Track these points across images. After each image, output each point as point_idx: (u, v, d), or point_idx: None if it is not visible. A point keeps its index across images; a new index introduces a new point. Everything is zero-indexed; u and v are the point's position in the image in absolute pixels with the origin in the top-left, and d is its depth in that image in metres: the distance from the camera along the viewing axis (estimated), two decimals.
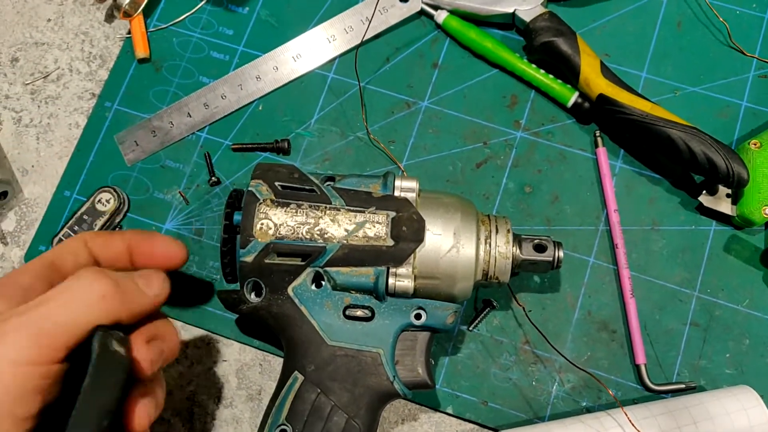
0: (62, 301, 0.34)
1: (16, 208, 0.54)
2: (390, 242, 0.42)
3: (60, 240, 0.51)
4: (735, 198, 0.50)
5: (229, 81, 0.56)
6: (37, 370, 0.32)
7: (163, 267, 0.42)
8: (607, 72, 0.51)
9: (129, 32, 0.57)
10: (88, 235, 0.42)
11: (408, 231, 0.42)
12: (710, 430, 0.44)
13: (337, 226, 0.42)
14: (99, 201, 0.52)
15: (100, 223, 0.51)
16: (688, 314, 0.50)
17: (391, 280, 0.42)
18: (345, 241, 0.42)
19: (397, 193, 0.44)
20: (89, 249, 0.41)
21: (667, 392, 0.49)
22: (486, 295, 0.51)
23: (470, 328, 0.50)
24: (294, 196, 0.43)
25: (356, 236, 0.42)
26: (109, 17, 0.58)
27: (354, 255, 0.42)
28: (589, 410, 0.49)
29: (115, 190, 0.52)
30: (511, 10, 0.54)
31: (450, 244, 0.43)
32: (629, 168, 0.53)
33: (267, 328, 0.45)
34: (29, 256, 0.53)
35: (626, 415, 0.44)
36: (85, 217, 0.51)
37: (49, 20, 0.59)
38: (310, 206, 0.43)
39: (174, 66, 0.57)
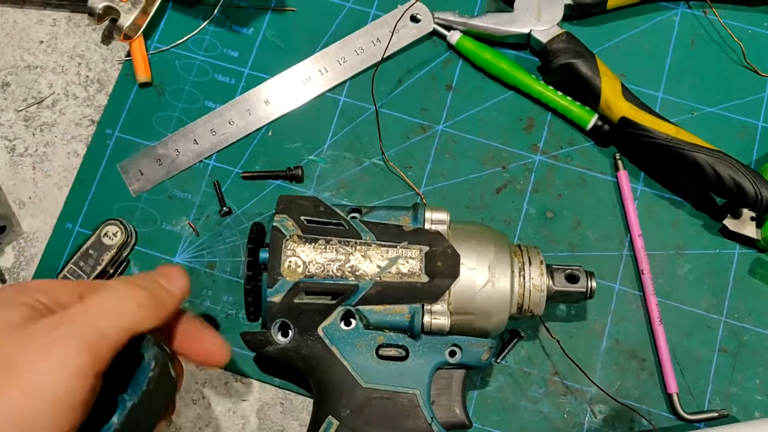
0: (104, 310, 0.33)
1: (14, 243, 0.51)
2: (425, 278, 0.40)
3: (65, 277, 0.48)
4: (759, 221, 0.50)
5: (236, 106, 0.53)
6: (87, 383, 0.31)
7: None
8: (628, 94, 0.50)
9: (128, 55, 0.55)
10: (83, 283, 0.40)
11: (443, 266, 0.40)
12: None
13: (369, 263, 0.40)
14: (105, 234, 0.49)
15: (107, 257, 0.48)
16: (716, 340, 0.49)
17: (426, 318, 0.40)
18: (378, 278, 0.40)
19: (427, 226, 0.42)
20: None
21: (700, 421, 0.48)
22: (513, 325, 0.49)
23: (498, 360, 0.49)
24: (322, 231, 0.41)
25: (389, 273, 0.40)
26: (106, 39, 0.56)
27: (388, 292, 0.40)
28: None
29: (121, 223, 0.49)
30: (526, 31, 0.53)
31: (485, 279, 0.41)
32: (650, 191, 0.52)
33: (294, 370, 0.42)
34: None
35: None
36: (91, 251, 0.48)
37: (41, 42, 0.55)
38: (340, 242, 0.41)
39: (177, 90, 0.54)
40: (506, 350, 0.49)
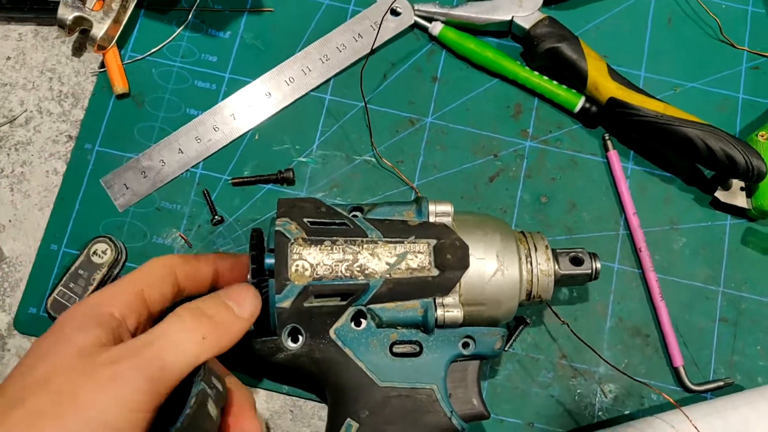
0: (167, 344, 0.33)
1: None
2: (435, 272, 0.40)
3: (56, 300, 0.46)
4: (749, 191, 0.51)
5: (219, 111, 0.52)
6: (145, 416, 0.31)
7: None
8: (614, 74, 0.50)
9: (102, 66, 0.53)
10: (175, 261, 0.40)
11: (452, 258, 0.40)
12: (760, 429, 0.44)
13: (378, 260, 0.40)
14: (94, 253, 0.47)
15: (98, 276, 0.47)
16: (716, 311, 0.50)
17: (439, 312, 0.40)
18: (388, 276, 0.39)
19: (432, 219, 0.42)
20: (176, 277, 0.40)
21: (706, 391, 0.48)
22: (518, 312, 0.49)
23: (506, 348, 0.49)
24: (326, 232, 0.40)
25: (399, 269, 0.40)
26: (77, 51, 0.54)
27: (399, 289, 0.40)
28: (633, 417, 0.48)
29: (110, 240, 0.48)
30: (508, 18, 0.53)
31: (494, 268, 0.41)
32: (641, 169, 0.53)
33: (307, 375, 0.41)
34: (19, 321, 0.48)
35: (686, 415, 0.43)
36: (80, 271, 0.47)
37: (8, 58, 0.53)
38: (346, 241, 0.40)
39: (157, 99, 0.52)
40: (513, 338, 0.49)
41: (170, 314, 0.35)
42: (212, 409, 0.34)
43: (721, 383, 0.48)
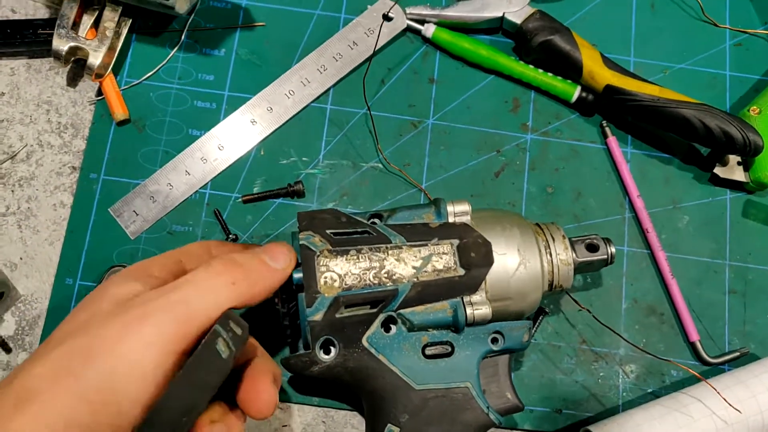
0: (195, 287, 0.34)
1: (13, 308, 0.48)
2: (461, 271, 0.40)
3: None
4: (746, 165, 0.52)
5: (222, 130, 0.52)
6: (173, 359, 0.31)
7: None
8: (608, 62, 0.52)
9: (99, 94, 0.52)
10: (213, 244, 0.42)
11: (477, 256, 0.41)
12: None
13: (404, 265, 0.40)
14: None
15: None
16: (724, 284, 0.52)
17: (468, 310, 0.40)
18: (416, 279, 0.40)
19: (451, 219, 0.42)
20: (212, 255, 0.41)
21: (724, 363, 0.50)
22: None
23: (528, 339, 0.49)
24: (350, 241, 0.40)
25: (426, 272, 0.40)
26: (72, 81, 0.53)
27: (427, 291, 0.40)
28: (656, 395, 0.49)
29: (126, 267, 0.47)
30: (499, 14, 0.54)
31: (517, 262, 0.42)
32: (639, 152, 0.54)
33: (342, 385, 0.42)
34: None
35: (713, 387, 0.44)
36: None
37: (2, 94, 0.53)
38: (371, 249, 0.40)
39: (158, 123, 0.52)
40: (534, 328, 0.50)
41: (201, 265, 0.36)
42: (222, 347, 0.32)
43: (737, 354, 0.50)
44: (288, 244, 0.40)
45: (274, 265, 0.38)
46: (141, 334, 0.31)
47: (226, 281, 0.35)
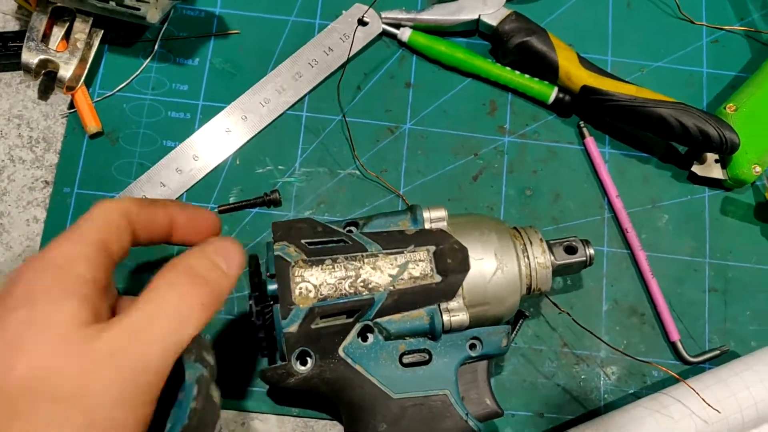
0: (165, 318, 0.30)
1: None
2: (438, 278, 0.40)
3: None
4: (724, 162, 0.52)
5: (197, 140, 0.51)
6: (152, 408, 0.29)
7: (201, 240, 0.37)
8: (585, 62, 0.51)
9: (71, 107, 0.52)
10: (131, 207, 0.35)
11: (453, 262, 0.40)
12: (763, 391, 0.45)
13: (380, 273, 0.40)
14: None
15: None
16: (705, 282, 0.52)
17: (445, 317, 0.40)
18: (392, 288, 0.40)
19: (428, 226, 0.42)
20: (133, 225, 0.35)
21: (705, 362, 0.50)
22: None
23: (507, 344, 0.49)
24: (326, 251, 0.40)
25: (402, 279, 0.40)
26: (44, 94, 0.53)
27: (404, 299, 0.40)
28: (638, 396, 0.49)
29: None
30: (475, 17, 0.53)
31: (494, 267, 0.41)
32: (617, 152, 0.54)
33: (320, 396, 0.41)
34: None
35: (691, 388, 0.44)
36: None
37: None
38: (347, 258, 0.40)
39: (132, 135, 0.52)
40: (514, 332, 0.49)
41: (159, 278, 0.32)
42: (215, 393, 0.31)
43: (718, 352, 0.50)
44: (234, 239, 0.37)
45: (229, 271, 0.34)
46: (116, 395, 0.27)
47: (193, 303, 0.31)
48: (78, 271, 0.30)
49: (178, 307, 0.31)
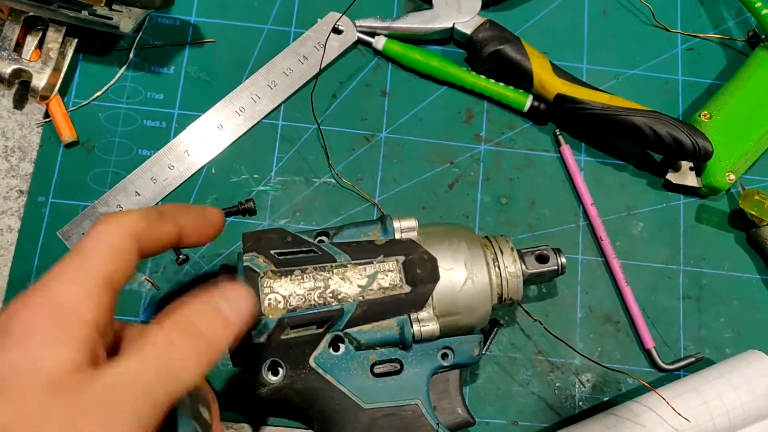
0: (158, 371, 0.29)
1: None
2: (407, 288, 0.40)
3: None
4: (698, 170, 0.52)
5: (173, 149, 0.51)
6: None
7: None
8: (558, 71, 0.51)
9: (47, 116, 0.52)
10: (139, 225, 0.32)
11: (422, 272, 0.41)
12: (734, 399, 0.45)
13: (349, 284, 0.40)
14: None
15: None
16: (679, 289, 0.52)
17: (415, 327, 0.40)
18: (361, 298, 0.40)
19: (398, 236, 0.42)
20: (140, 245, 0.32)
21: (679, 369, 0.50)
22: (490, 315, 0.50)
23: (483, 351, 0.49)
24: (295, 261, 0.40)
25: (371, 290, 0.40)
26: (19, 103, 0.53)
27: (373, 310, 0.40)
28: (612, 403, 0.49)
29: None
30: (449, 25, 0.54)
31: (464, 276, 0.41)
32: (593, 160, 0.54)
33: (292, 406, 0.41)
34: None
35: (661, 396, 0.44)
36: None
37: None
38: (316, 269, 0.40)
39: (107, 144, 0.52)
40: (489, 341, 0.50)
41: (155, 326, 0.30)
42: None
43: (692, 359, 0.50)
44: (248, 287, 0.34)
45: (234, 319, 0.32)
46: None
47: (188, 356, 0.30)
48: (79, 313, 0.29)
49: (170, 360, 0.29)
